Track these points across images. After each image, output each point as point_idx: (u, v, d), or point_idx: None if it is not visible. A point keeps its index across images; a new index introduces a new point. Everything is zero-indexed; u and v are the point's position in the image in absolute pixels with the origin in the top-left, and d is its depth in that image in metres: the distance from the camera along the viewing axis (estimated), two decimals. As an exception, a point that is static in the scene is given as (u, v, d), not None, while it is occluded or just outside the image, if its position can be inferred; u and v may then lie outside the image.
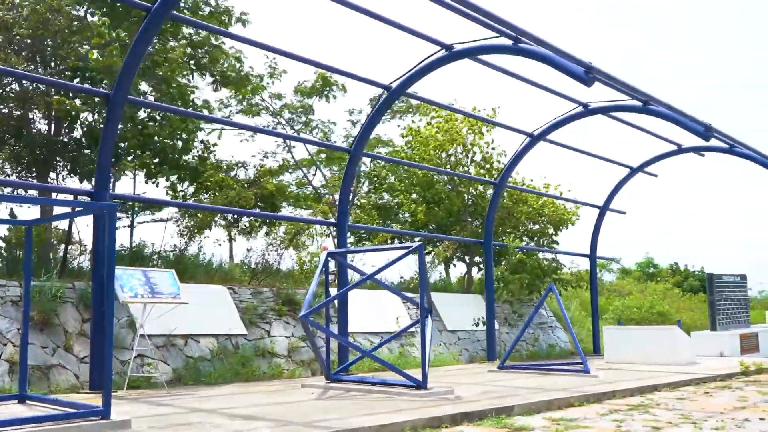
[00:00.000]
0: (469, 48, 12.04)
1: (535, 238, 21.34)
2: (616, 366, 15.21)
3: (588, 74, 10.48)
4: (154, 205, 17.06)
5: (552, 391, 10.05)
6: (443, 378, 12.52)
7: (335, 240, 13.97)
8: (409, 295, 18.34)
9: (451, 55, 12.29)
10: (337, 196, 16.01)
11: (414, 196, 20.54)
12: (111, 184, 15.21)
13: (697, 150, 19.12)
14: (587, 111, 15.65)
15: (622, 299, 28.99)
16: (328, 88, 20.44)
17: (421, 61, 12.68)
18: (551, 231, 21.21)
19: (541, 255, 21.18)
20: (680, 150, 19.19)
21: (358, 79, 13.29)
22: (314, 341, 10.80)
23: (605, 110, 15.46)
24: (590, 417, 8.29)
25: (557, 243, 21.18)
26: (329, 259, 11.36)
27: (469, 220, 20.57)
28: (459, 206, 19.70)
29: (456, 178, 20.09)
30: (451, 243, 19.79)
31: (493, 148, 21.00)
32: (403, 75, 12.94)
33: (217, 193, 17.49)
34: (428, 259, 19.10)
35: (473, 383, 11.43)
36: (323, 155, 23.81)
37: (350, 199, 23.42)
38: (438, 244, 19.35)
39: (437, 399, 9.14)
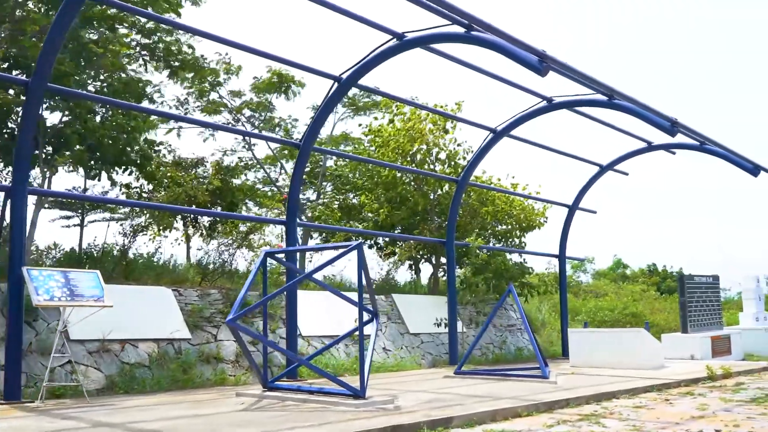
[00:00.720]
0: (421, 36, 11.42)
1: (503, 239, 20.76)
2: (579, 370, 14.65)
3: (542, 63, 9.89)
4: (101, 203, 16.30)
5: (501, 400, 9.44)
6: (394, 385, 11.89)
7: (285, 239, 13.27)
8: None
9: (402, 44, 11.66)
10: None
11: (379, 196, 19.90)
12: (46, 179, 14.55)
13: (668, 147, 18.64)
14: (551, 105, 15.09)
15: (595, 301, 28.54)
16: (285, 84, 19.74)
17: (372, 51, 12.04)
18: (519, 231, 20.63)
19: (509, 256, 20.63)
20: (650, 147, 18.70)
21: (307, 69, 12.64)
22: (246, 347, 10.09)
23: (569, 105, 14.90)
24: (534, 429, 7.68)
25: (525, 244, 20.61)
26: (268, 259, 10.68)
27: (436, 219, 19.95)
28: (423, 206, 19.08)
29: (421, 176, 19.46)
30: (416, 243, 19.15)
31: (458, 145, 20.42)
32: (354, 65, 12.30)
33: (174, 191, 16.83)
34: (391, 259, 18.45)
35: (422, 391, 10.80)
36: (286, 151, 23.12)
37: (309, 197, 22.88)
38: (400, 244, 18.71)
39: (373, 410, 8.49)
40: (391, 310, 17.75)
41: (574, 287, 37.91)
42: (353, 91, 23.39)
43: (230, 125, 20.82)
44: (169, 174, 18.11)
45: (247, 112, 21.65)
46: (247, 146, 21.52)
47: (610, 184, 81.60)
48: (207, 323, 13.54)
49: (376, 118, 20.20)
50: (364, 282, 9.71)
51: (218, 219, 17.13)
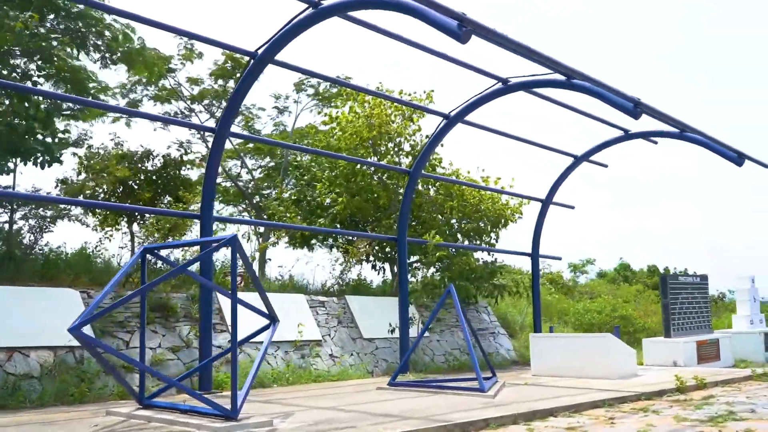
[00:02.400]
0: (337, 3, 10.06)
1: (474, 237, 19.31)
2: (538, 380, 13.23)
3: (461, 27, 8.52)
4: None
5: (409, 420, 8.06)
6: (309, 399, 10.54)
7: (200, 234, 11.94)
8: (322, 299, 16.43)
9: (319, 12, 10.31)
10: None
11: (341, 191, 18.54)
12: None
13: (646, 136, 17.16)
14: (507, 87, 13.68)
15: (584, 302, 27.01)
16: (240, 70, 18.42)
17: (288, 23, 10.70)
18: (491, 228, 19.18)
19: (479, 255, 19.21)
20: (627, 136, 17.23)
21: (221, 46, 11.34)
22: (103, 359, 8.67)
23: (526, 86, 13.49)
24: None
25: (496, 242, 19.17)
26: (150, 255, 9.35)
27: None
28: (386, 200, 17.69)
29: (386, 169, 18.08)
30: (376, 241, 17.75)
31: (427, 137, 19.00)
32: (270, 39, 10.95)
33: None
34: (340, 258, 17.11)
35: (331, 407, 9.45)
36: (250, 145, 21.81)
37: (272, 193, 21.54)
38: (353, 241, 17.36)
39: (240, 434, 7.15)
40: (343, 314, 16.39)
41: (570, 288, 36.39)
42: (324, 86, 22.11)
43: (184, 116, 19.57)
44: (107, 167, 16.95)
45: (207, 101, 20.42)
46: (202, 139, 20.23)
47: (604, 178, 79.60)
48: (119, 329, 12.26)
49: (337, 107, 18.81)
50: (234, 279, 8.27)
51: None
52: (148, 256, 11.64)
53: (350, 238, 18.33)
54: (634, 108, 11.92)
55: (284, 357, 14.19)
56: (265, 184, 21.37)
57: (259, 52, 11.11)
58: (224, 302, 14.13)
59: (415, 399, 10.26)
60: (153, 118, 18.08)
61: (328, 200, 17.53)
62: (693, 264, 71.47)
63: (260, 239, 20.52)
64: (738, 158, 15.45)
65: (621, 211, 70.61)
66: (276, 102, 21.49)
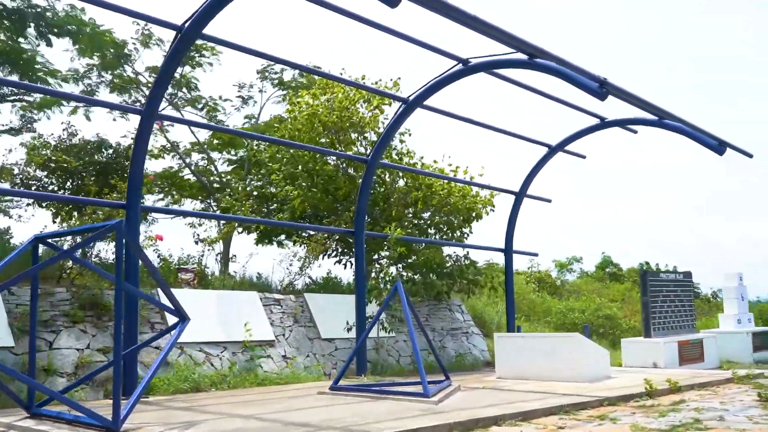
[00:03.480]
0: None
1: (447, 231, 18.35)
2: (500, 384, 12.28)
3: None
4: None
5: (327, 431, 7.10)
6: (236, 406, 9.56)
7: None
8: (278, 296, 15.47)
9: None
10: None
11: (301, 182, 17.58)
12: None
13: (623, 124, 16.21)
14: (468, 69, 12.72)
15: (567, 301, 26.06)
16: (197, 53, 17.47)
17: (215, -9, 9.74)
18: (462, 222, 18.22)
19: (450, 250, 18.28)
20: (604, 124, 16.28)
21: (145, 18, 10.37)
22: None
23: (487, 66, 12.53)
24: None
25: (467, 236, 18.20)
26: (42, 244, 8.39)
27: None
28: (347, 191, 16.75)
29: (350, 160, 17.12)
30: (331, 234, 16.79)
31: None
32: (196, 12, 10.00)
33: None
34: (301, 253, 16.15)
35: (250, 415, 8.48)
36: (216, 141, 20.82)
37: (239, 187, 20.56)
38: (310, 235, 16.37)
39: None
40: (301, 312, 15.44)
41: (557, 287, 35.44)
42: (290, 74, 21.15)
43: (141, 104, 18.55)
44: (54, 157, 16.03)
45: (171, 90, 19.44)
46: (159, 131, 19.24)
47: (587, 170, 78.53)
48: (42, 328, 11.29)
49: (302, 95, 17.82)
50: (118, 270, 7.32)
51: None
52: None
53: (313, 233, 17.35)
54: (600, 88, 10.96)
55: (230, 359, 13.24)
56: (229, 178, 20.37)
57: (186, 26, 10.14)
58: (165, 300, 13.17)
59: (350, 405, 9.30)
60: (75, 98, 17.02)
61: (287, 194, 16.55)
62: (685, 261, 70.13)
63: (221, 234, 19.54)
64: (719, 146, 14.50)
65: (606, 205, 69.61)
66: (240, 91, 20.54)
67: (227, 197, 17.24)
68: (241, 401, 10.06)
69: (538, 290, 31.52)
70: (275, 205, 17.24)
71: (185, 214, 17.91)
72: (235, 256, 18.07)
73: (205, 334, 13.26)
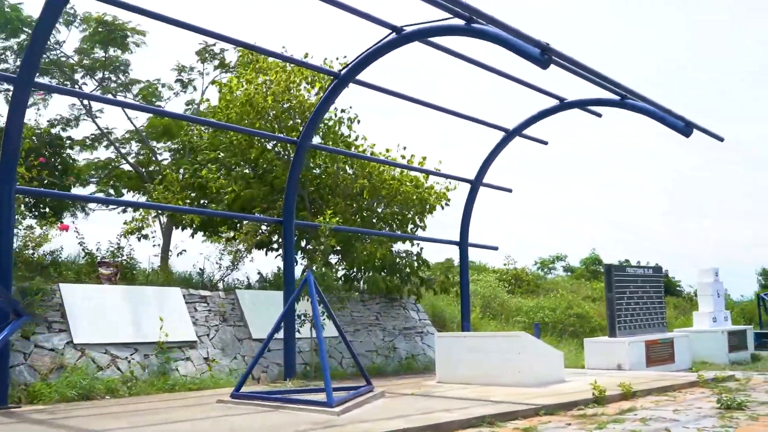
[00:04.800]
0: None
1: (398, 224, 17.04)
2: (432, 389, 10.98)
3: None
4: None
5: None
6: (117, 418, 8.23)
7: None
8: (205, 293, 14.12)
9: None
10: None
11: (236, 170, 16.25)
12: None
13: (582, 105, 14.96)
14: (402, 37, 11.41)
15: (537, 299, 24.80)
16: (118, 33, 16.06)
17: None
18: (416, 214, 16.93)
19: (400, 246, 16.98)
20: (563, 105, 15.04)
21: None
22: None
23: (422, 35, 11.23)
24: None
25: (417, 229, 16.91)
26: None
27: (309, 199, 16.32)
28: (284, 180, 15.40)
29: (289, 145, 15.79)
30: (269, 226, 15.45)
31: (343, 110, 16.76)
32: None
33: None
34: (232, 247, 14.76)
35: (119, 428, 7.15)
36: (150, 129, 19.40)
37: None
38: (240, 226, 15.04)
39: None
40: (231, 310, 14.10)
41: (535, 286, 34.19)
42: (231, 55, 19.73)
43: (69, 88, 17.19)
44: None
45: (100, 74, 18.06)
46: (88, 116, 17.86)
47: (572, 165, 77.46)
48: None
49: (240, 73, 16.41)
50: None
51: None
52: None
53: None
54: (542, 54, 9.69)
55: (141, 362, 11.89)
56: (158, 166, 18.92)
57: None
58: (68, 297, 11.83)
59: (240, 417, 7.99)
60: None
61: (221, 187, 15.22)
62: (674, 258, 68.91)
63: (163, 228, 18.19)
64: (685, 127, 13.29)
65: (591, 200, 68.47)
66: (180, 75, 19.15)
67: (158, 187, 15.89)
68: (125, 411, 8.72)
69: (511, 288, 30.29)
70: (214, 194, 15.87)
71: (78, 198, 16.18)
72: (185, 251, 16.66)
73: (112, 335, 11.92)
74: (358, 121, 16.97)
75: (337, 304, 15.43)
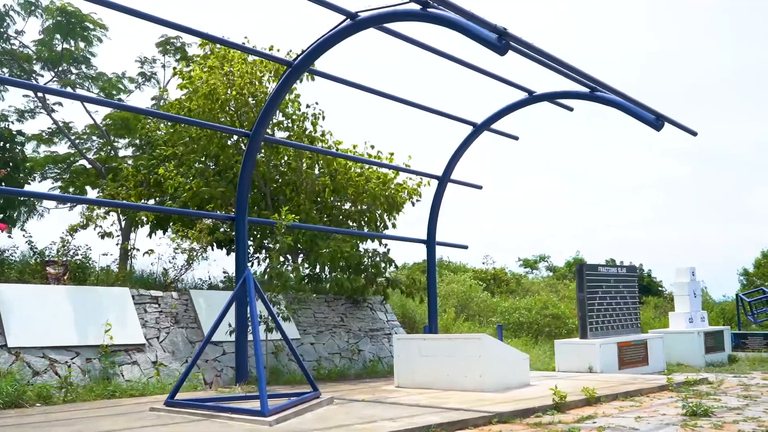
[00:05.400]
0: None
1: (366, 222, 16.45)
2: (387, 395, 10.39)
3: None
4: None
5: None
6: (19, 429, 7.57)
7: None
8: (156, 293, 13.47)
9: None
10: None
11: (196, 165, 15.59)
12: None
13: (552, 97, 14.45)
14: (357, 23, 10.83)
15: (512, 299, 24.28)
16: (77, 24, 15.36)
17: None
18: (384, 212, 16.36)
19: (368, 245, 16.41)
20: (532, 98, 14.50)
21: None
22: None
23: (378, 20, 10.66)
24: None
25: (385, 228, 16.33)
26: None
27: (272, 197, 15.70)
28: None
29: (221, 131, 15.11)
30: (229, 224, 14.79)
31: (307, 106, 16.14)
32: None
33: None
34: (185, 245, 14.07)
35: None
36: (110, 120, 18.69)
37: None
38: (195, 223, 14.38)
39: None
40: (184, 311, 13.46)
41: (512, 285, 33.72)
42: (194, 50, 19.05)
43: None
44: None
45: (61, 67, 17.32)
46: (44, 109, 17.14)
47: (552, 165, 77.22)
48: None
49: (197, 62, 15.69)
50: None
51: None
52: None
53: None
54: (499, 40, 9.15)
55: (83, 366, 11.23)
56: (128, 164, 18.24)
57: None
58: (4, 297, 11.15)
59: (169, 426, 7.37)
60: None
61: (177, 185, 14.56)
62: (659, 258, 68.58)
63: (122, 228, 17.49)
64: (656, 120, 12.79)
65: (574, 199, 68.16)
66: (142, 67, 18.47)
67: (111, 183, 15.19)
68: (39, 422, 8.06)
69: (489, 288, 29.78)
70: (172, 191, 15.18)
71: (14, 193, 15.40)
72: (151, 251, 15.94)
73: (52, 338, 11.25)
74: (323, 117, 16.38)
75: (294, 304, 14.85)
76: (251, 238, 15.19)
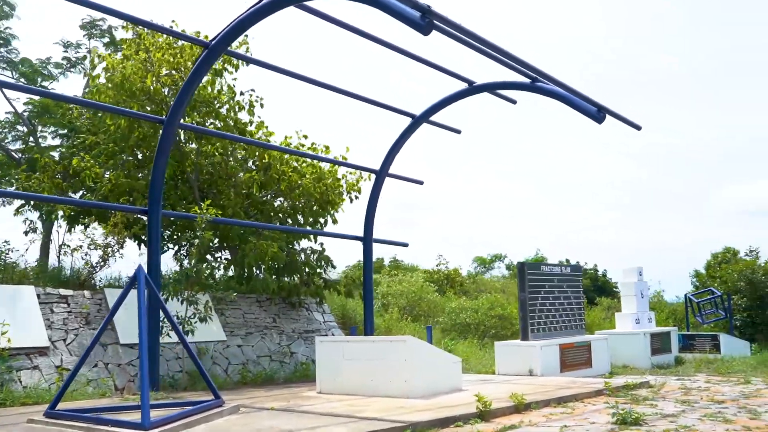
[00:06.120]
0: None
1: (305, 219, 15.66)
2: (302, 403, 9.63)
3: None
4: None
5: None
6: None
7: None
8: (66, 292, 12.50)
9: None
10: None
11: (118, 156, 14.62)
12: None
13: (492, 88, 13.84)
14: (277, 2, 10.04)
15: (459, 300, 23.70)
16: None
17: None
18: (319, 208, 15.59)
19: (307, 243, 15.64)
20: (472, 89, 13.89)
21: None
22: None
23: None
24: None
25: (332, 223, 15.60)
26: None
27: (201, 190, 14.81)
28: (175, 169, 13.95)
29: (187, 131, 14.25)
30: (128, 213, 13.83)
31: (241, 93, 15.28)
32: None
33: None
34: (100, 240, 13.13)
35: None
36: (31, 105, 17.54)
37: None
38: (110, 216, 13.44)
39: None
40: (97, 312, 12.52)
41: (465, 285, 33.21)
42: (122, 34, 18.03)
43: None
44: None
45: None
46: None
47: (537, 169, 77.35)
48: None
49: (127, 47, 14.72)
50: None
51: None
52: None
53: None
54: (422, 18, 8.45)
55: (-19, 371, 10.25)
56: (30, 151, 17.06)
57: None
58: None
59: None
60: None
61: (94, 177, 13.59)
62: (616, 258, 69.00)
63: (59, 222, 16.39)
64: (598, 113, 12.25)
65: (537, 199, 68.21)
66: (65, 51, 17.40)
67: (23, 174, 14.16)
68: None
69: (442, 288, 29.20)
70: (90, 182, 14.17)
71: None
72: (66, 245, 14.91)
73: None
74: (261, 105, 15.52)
75: (222, 304, 14.01)
76: (178, 234, 14.30)
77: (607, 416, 8.38)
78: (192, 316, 11.60)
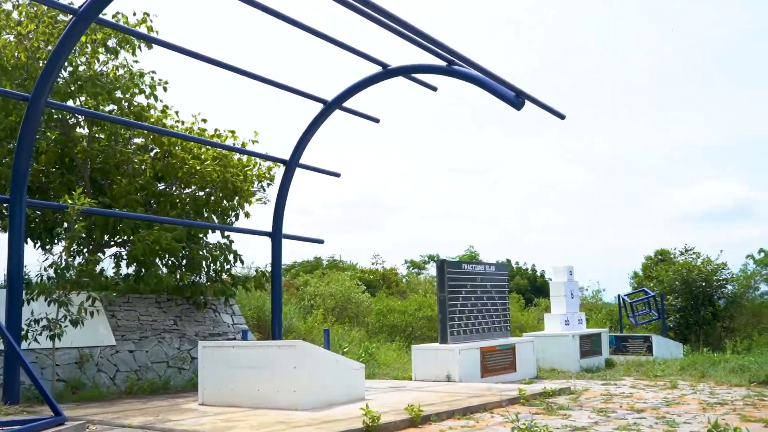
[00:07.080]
0: None
1: (210, 211, 14.44)
2: (170, 417, 8.45)
3: None
4: None
5: None
6: None
7: None
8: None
9: None
10: None
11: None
12: None
13: (407, 72, 12.86)
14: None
15: (388, 301, 22.72)
16: None
17: None
18: (224, 199, 14.39)
19: (212, 238, 14.40)
20: (387, 72, 12.87)
21: None
22: None
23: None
24: None
25: (245, 217, 14.43)
26: None
27: (100, 178, 13.47)
28: (52, 156, 12.56)
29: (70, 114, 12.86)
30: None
31: (141, 75, 13.95)
32: None
33: None
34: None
35: None
36: None
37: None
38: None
39: None
40: None
41: (402, 285, 32.28)
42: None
43: None
44: None
45: None
46: None
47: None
48: None
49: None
50: None
51: None
52: None
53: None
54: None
55: None
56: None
57: None
58: None
59: None
60: None
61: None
62: (554, 259, 69.19)
63: None
64: (516, 98, 11.33)
65: (476, 199, 67.96)
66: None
67: None
68: None
69: (374, 289, 28.19)
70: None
71: None
72: None
73: None
74: (165, 88, 14.24)
75: (115, 305, 12.70)
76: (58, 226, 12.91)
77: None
78: (62, 319, 10.28)
